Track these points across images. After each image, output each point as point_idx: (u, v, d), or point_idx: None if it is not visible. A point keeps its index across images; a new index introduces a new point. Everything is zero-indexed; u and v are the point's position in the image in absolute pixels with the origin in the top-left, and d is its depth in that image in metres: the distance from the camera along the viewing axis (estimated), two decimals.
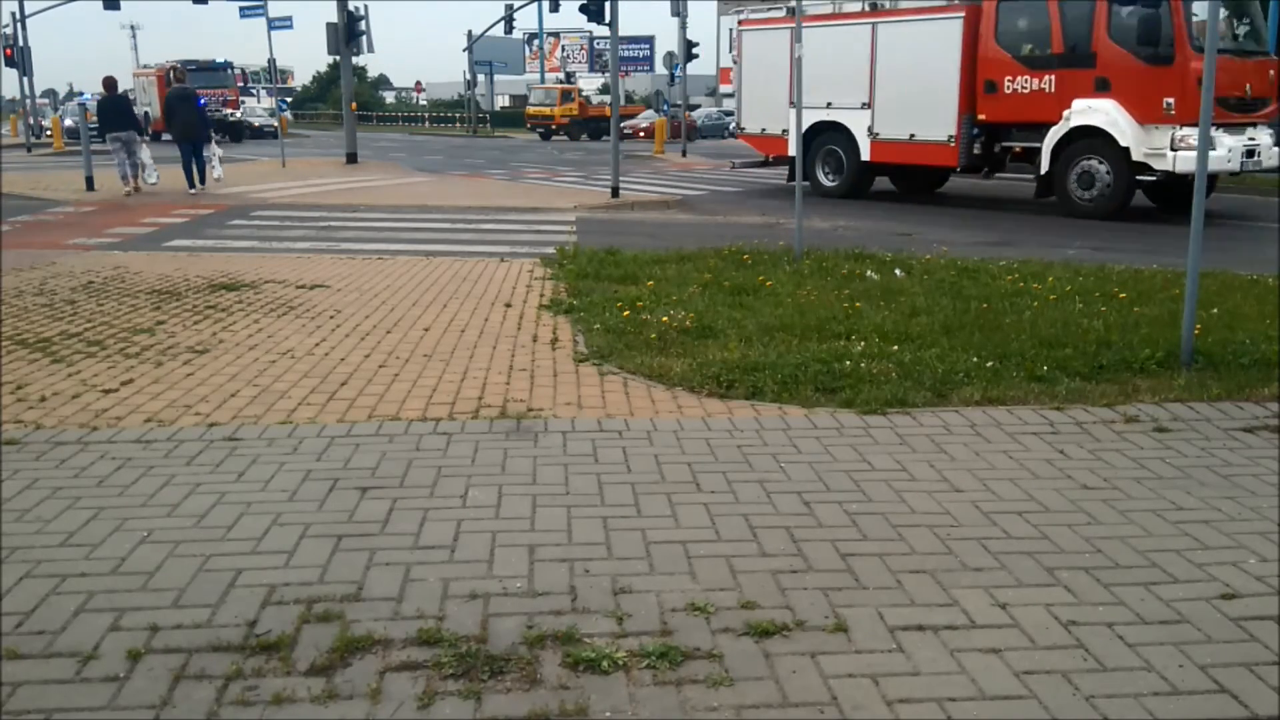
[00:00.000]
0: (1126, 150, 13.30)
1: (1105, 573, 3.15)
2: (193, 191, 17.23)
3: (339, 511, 3.59)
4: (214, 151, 18.25)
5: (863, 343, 5.90)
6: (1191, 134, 12.08)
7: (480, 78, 58.99)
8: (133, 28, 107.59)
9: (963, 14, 15.02)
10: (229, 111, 44.86)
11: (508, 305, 7.46)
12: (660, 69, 47.55)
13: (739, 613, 2.88)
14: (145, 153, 17.10)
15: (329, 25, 23.67)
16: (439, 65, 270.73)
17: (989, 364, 5.49)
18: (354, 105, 26.05)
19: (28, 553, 3.25)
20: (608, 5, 17.11)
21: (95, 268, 9.22)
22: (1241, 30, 14.35)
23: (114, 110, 16.92)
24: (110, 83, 17.14)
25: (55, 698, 2.46)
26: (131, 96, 26.77)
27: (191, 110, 17.57)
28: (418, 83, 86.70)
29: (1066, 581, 3.09)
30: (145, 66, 47.82)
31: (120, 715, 2.40)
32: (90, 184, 17.27)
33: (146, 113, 42.41)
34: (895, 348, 5.79)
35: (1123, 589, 3.04)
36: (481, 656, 2.63)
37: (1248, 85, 13.44)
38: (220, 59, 48.10)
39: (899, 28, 16.00)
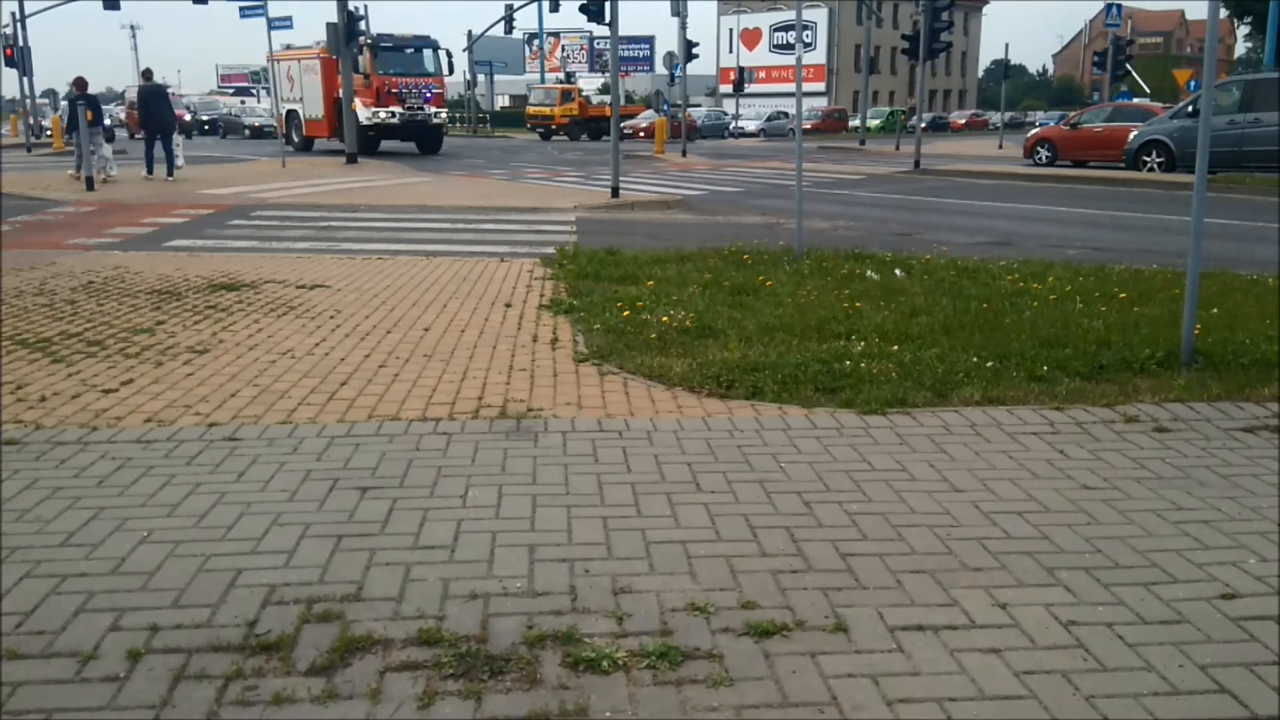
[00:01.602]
0: None
1: (1105, 573, 3.15)
2: (169, 179, 19.44)
3: (339, 511, 3.59)
4: (177, 143, 20.49)
5: (863, 343, 5.90)
6: None
7: (480, 78, 59.06)
8: (133, 28, 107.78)
9: None
10: (433, 110, 29.89)
11: (508, 305, 7.46)
12: (660, 69, 47.58)
13: (739, 613, 2.88)
14: (107, 149, 19.30)
15: (329, 25, 23.72)
16: None
17: (989, 364, 5.48)
18: (354, 105, 26.03)
19: (28, 553, 3.25)
20: (608, 5, 17.11)
21: (95, 268, 9.22)
22: None
23: (85, 108, 18.48)
24: (81, 83, 19.03)
25: (55, 698, 2.46)
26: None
27: (162, 106, 19.78)
28: None
29: (1066, 581, 3.09)
30: (289, 47, 32.19)
31: (120, 715, 2.40)
32: (90, 184, 17.32)
33: (295, 110, 31.54)
34: (895, 348, 5.79)
35: (1123, 589, 3.04)
36: (481, 656, 2.63)
37: None
38: (421, 34, 31.32)
39: None
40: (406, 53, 29.40)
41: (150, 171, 19.74)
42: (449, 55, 30.99)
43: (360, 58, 27.55)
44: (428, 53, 30.36)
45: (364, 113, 27.83)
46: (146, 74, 20.55)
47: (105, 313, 7.13)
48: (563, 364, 5.71)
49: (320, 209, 15.06)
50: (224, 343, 6.21)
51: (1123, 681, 2.55)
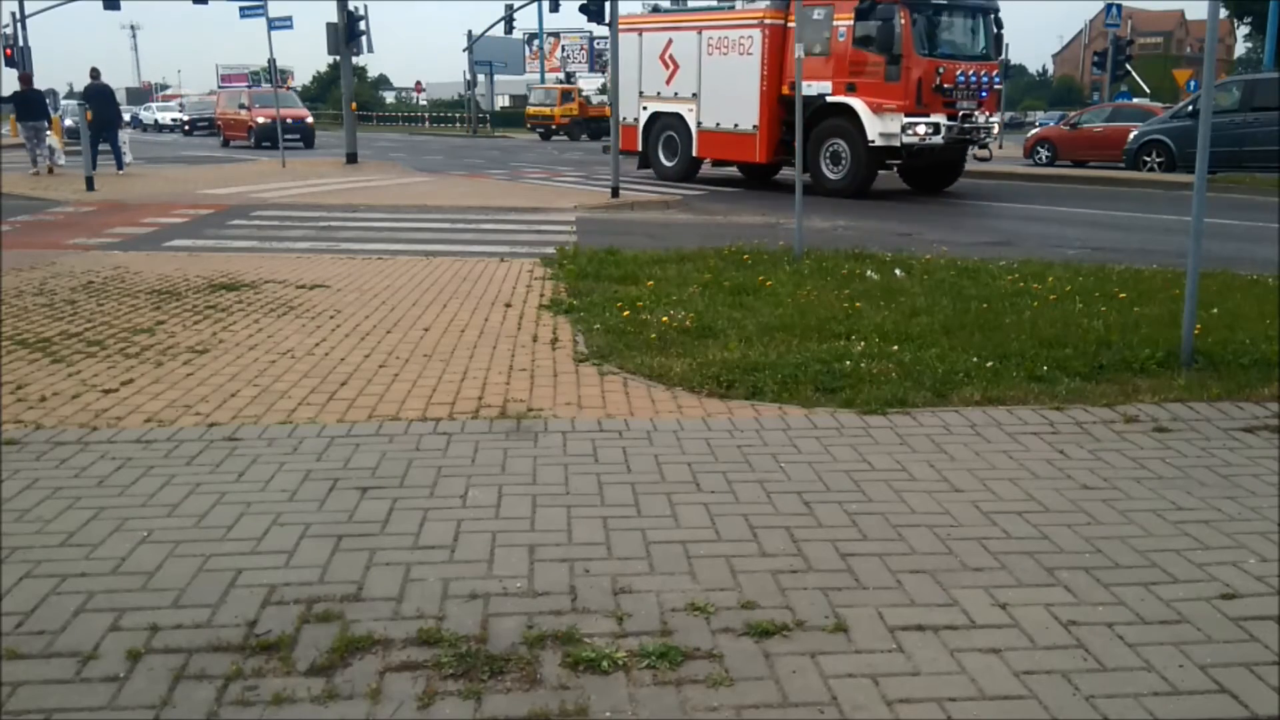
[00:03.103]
0: None
1: (1105, 573, 3.15)
2: (119, 173, 20.48)
3: (339, 511, 3.59)
4: (124, 139, 21.62)
5: (863, 343, 5.90)
6: None
7: (480, 78, 58.98)
8: (133, 27, 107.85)
9: None
10: (987, 118, 17.48)
11: (508, 305, 7.46)
12: None
13: (739, 613, 2.88)
14: (53, 139, 20.51)
15: (329, 25, 23.67)
16: (439, 65, 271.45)
17: (989, 364, 5.48)
18: (354, 105, 26.03)
19: (28, 553, 3.25)
20: (608, 5, 17.10)
21: (95, 268, 9.22)
22: None
23: (29, 103, 20.37)
24: (26, 78, 20.72)
25: (55, 698, 2.46)
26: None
27: (109, 104, 20.73)
28: (418, 83, 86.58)
29: (1066, 581, 3.09)
30: (657, 9, 20.05)
31: (120, 715, 2.40)
32: (90, 184, 17.30)
33: (680, 114, 18.44)
34: (895, 348, 5.79)
35: (1123, 589, 3.04)
36: (481, 656, 2.63)
37: None
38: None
39: None
40: (960, 22, 16.97)
41: (95, 167, 20.02)
42: (1000, 26, 17.73)
43: (894, 26, 15.84)
44: (984, 22, 17.40)
45: (883, 124, 16.22)
46: (94, 73, 20.94)
47: (105, 313, 7.13)
48: (563, 364, 5.71)
49: (320, 209, 15.05)
50: (224, 343, 6.21)
51: (1123, 681, 2.55)
